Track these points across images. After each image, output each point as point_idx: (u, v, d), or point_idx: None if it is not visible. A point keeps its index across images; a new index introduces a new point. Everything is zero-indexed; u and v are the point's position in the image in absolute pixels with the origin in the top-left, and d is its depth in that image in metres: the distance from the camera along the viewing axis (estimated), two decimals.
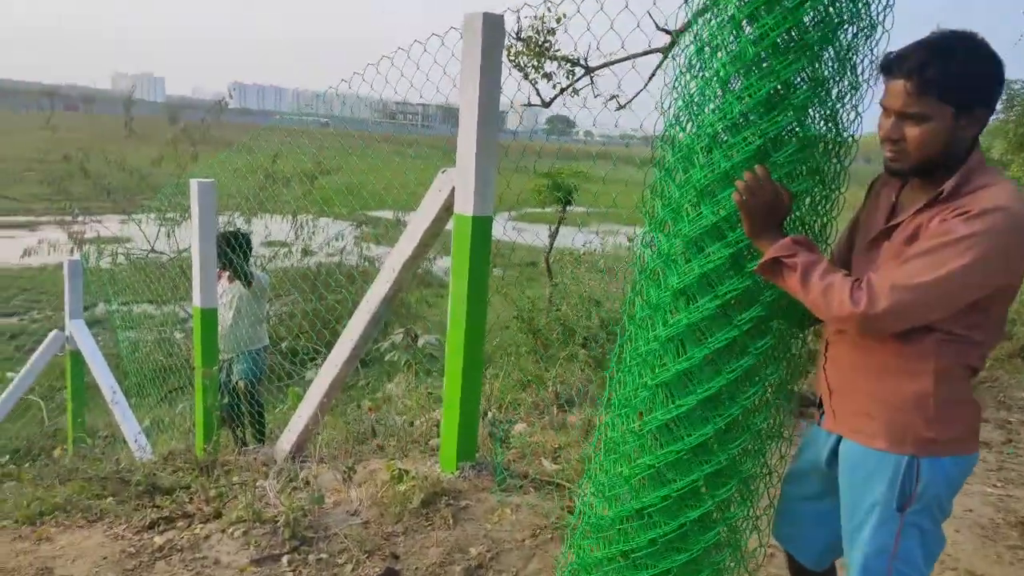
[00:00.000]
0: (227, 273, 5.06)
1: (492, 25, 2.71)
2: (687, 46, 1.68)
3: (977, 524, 3.18)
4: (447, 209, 3.01)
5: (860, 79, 1.62)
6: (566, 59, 3.91)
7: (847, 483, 1.64)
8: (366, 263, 9.88)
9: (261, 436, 5.04)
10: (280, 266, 10.12)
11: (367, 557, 2.54)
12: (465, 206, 2.87)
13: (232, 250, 4.98)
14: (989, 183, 1.46)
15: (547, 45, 4.10)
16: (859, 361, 1.60)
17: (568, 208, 8.84)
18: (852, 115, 1.65)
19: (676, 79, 1.70)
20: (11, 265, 16.82)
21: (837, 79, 1.60)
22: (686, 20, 1.65)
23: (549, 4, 2.71)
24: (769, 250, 1.51)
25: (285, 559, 2.53)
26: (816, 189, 1.68)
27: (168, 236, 9.72)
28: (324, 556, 2.56)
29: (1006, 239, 1.40)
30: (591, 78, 4.05)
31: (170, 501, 3.01)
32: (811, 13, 1.51)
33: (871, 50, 1.61)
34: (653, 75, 3.82)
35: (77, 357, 6.32)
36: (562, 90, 3.99)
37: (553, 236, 8.51)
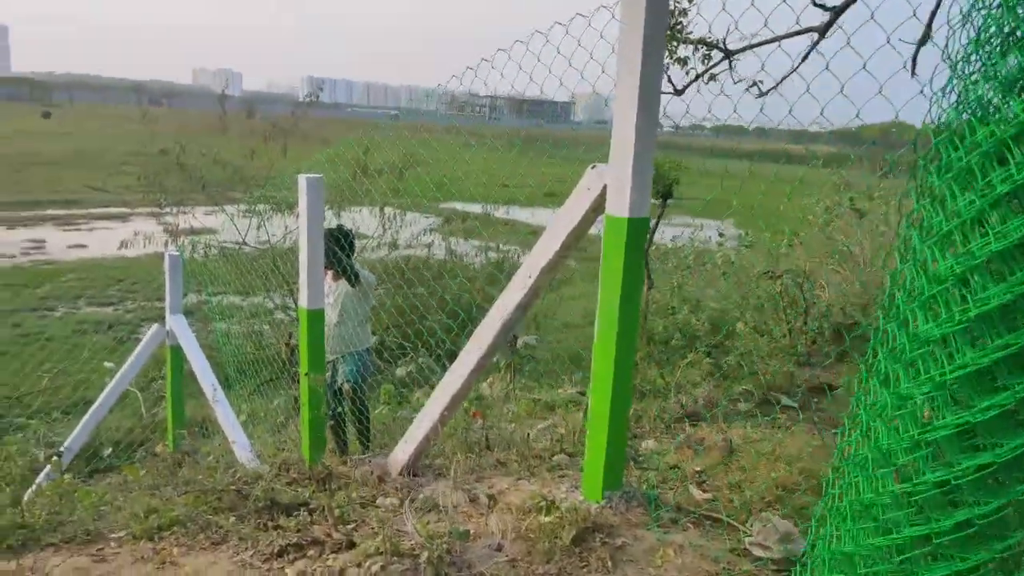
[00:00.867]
0: (331, 271, 4.90)
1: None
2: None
3: None
4: (595, 210, 2.70)
5: None
6: (703, 42, 3.55)
7: None
8: (455, 259, 9.70)
9: (366, 441, 4.86)
10: (368, 259, 10.04)
11: None
12: (619, 206, 2.56)
13: (338, 247, 4.81)
14: None
15: (679, 27, 3.75)
16: None
17: (668, 201, 8.42)
18: None
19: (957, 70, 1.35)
20: (107, 256, 17.42)
21: None
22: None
23: None
24: None
25: None
26: None
27: (258, 228, 9.75)
28: None
29: None
30: (730, 63, 3.67)
31: (294, 523, 2.81)
32: None
33: None
34: (806, 56, 3.41)
35: (177, 352, 6.29)
36: (697, 76, 3.63)
37: (652, 231, 8.11)
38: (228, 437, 5.43)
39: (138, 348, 6.26)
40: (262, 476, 3.43)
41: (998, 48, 1.27)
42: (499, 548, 2.52)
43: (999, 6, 1.28)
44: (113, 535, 3.15)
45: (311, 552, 2.53)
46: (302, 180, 4.25)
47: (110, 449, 6.89)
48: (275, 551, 2.55)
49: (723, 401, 4.51)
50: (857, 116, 2.18)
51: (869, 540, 1.44)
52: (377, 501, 3.22)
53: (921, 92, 1.40)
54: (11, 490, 3.84)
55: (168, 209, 10.21)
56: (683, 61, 3.88)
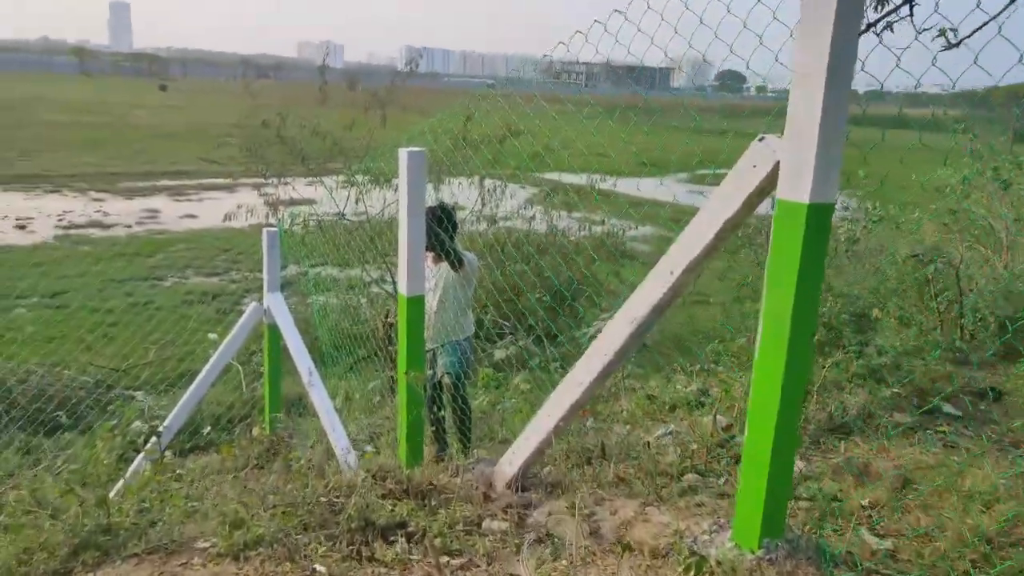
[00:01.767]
0: (432, 254, 4.52)
1: None
2: None
3: None
4: (761, 192, 2.16)
5: None
6: None
7: None
8: (556, 233, 9.22)
9: (467, 439, 4.49)
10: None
11: None
12: (797, 189, 2.01)
13: (439, 227, 4.41)
14: None
15: None
16: None
17: None
18: None
19: None
20: (214, 226, 17.88)
21: None
22: None
23: None
24: None
25: None
26: None
27: (357, 201, 9.55)
28: None
29: None
30: (911, 8, 3.00)
31: (391, 554, 2.44)
32: None
33: None
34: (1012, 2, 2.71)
35: (274, 330, 6.11)
36: (869, 26, 2.99)
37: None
38: (324, 425, 5.19)
39: (236, 326, 6.11)
40: (356, 488, 3.09)
41: None
42: None
43: None
44: (198, 545, 2.88)
45: None
46: (403, 154, 3.85)
47: (209, 427, 6.85)
48: None
49: (876, 411, 3.88)
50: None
51: None
52: (483, 525, 2.82)
53: None
54: (101, 482, 3.67)
55: (270, 180, 10.17)
56: None
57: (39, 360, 8.12)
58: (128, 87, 74.04)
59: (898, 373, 4.25)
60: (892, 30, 3.07)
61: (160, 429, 5.57)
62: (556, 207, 9.63)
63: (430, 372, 4.56)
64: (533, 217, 9.23)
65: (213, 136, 28.68)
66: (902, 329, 5.91)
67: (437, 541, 2.53)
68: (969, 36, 2.95)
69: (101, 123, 41.00)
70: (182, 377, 8.45)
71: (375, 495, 3.05)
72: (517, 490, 3.18)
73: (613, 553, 2.43)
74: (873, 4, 3.11)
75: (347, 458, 4.92)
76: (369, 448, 5.86)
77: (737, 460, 3.29)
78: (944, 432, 3.81)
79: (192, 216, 20.16)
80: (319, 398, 5.38)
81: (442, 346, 4.59)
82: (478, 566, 2.36)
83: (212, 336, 10.42)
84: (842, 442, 3.62)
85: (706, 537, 2.41)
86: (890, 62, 2.15)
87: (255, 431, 5.98)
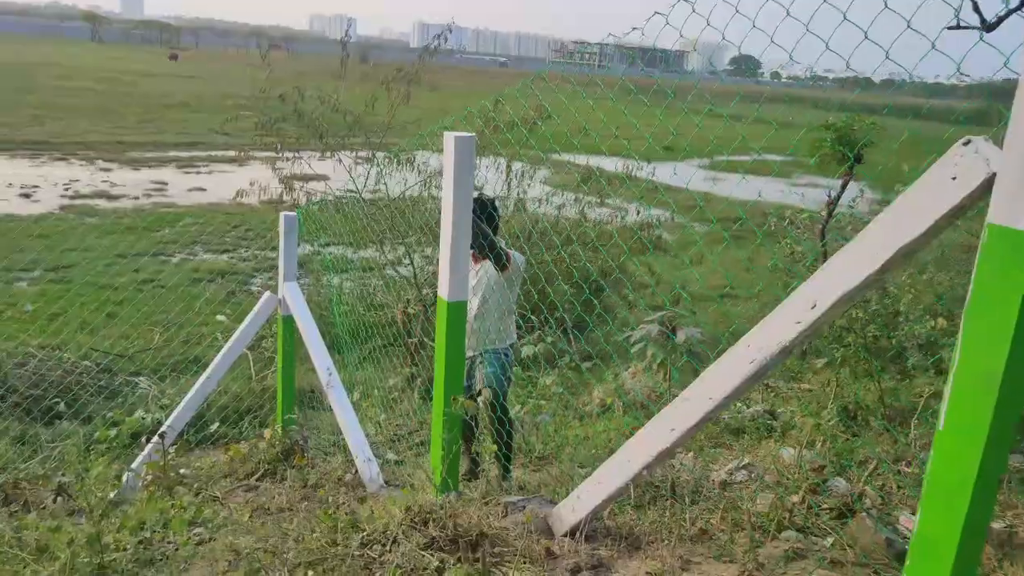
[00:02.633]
0: (471, 251, 4.01)
1: None
2: None
3: None
4: (955, 214, 1.65)
5: None
6: None
7: None
8: (588, 224, 8.70)
9: (507, 459, 4.02)
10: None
11: None
12: (1018, 214, 1.50)
13: (480, 220, 3.91)
14: None
15: None
16: None
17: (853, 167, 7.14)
18: None
19: None
20: (224, 201, 17.38)
21: None
22: None
23: None
24: None
25: None
26: None
27: (377, 181, 9.04)
28: None
29: None
30: None
31: None
32: None
33: None
34: None
35: (289, 322, 5.63)
36: (1015, 8, 2.47)
37: (833, 205, 6.84)
38: (343, 431, 4.73)
39: (249, 317, 5.63)
40: (392, 532, 2.61)
41: None
42: None
43: None
44: None
45: None
46: (449, 139, 3.35)
47: (217, 423, 6.39)
48: None
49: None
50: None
51: None
52: None
53: None
54: (97, 506, 3.21)
55: (282, 154, 9.66)
56: None
57: (40, 342, 7.67)
58: (138, 55, 73.28)
59: None
60: None
61: (163, 429, 5.13)
62: (587, 193, 9.09)
63: (467, 384, 4.08)
64: (563, 205, 8.70)
65: (225, 107, 28.11)
66: None
67: None
68: None
69: (110, 91, 40.41)
70: (188, 363, 8.00)
71: (416, 544, 2.58)
72: (580, 538, 2.70)
73: None
74: None
75: (369, 471, 4.46)
76: (391, 456, 5.41)
77: (842, 515, 2.81)
78: None
79: (201, 189, 19.66)
80: (338, 401, 4.91)
81: (481, 355, 4.11)
82: None
83: (220, 318, 9.98)
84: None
85: None
86: None
87: (266, 433, 5.53)
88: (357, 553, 2.48)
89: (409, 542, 2.56)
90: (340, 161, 8.30)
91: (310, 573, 2.32)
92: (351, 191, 9.83)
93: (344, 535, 2.57)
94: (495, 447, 3.90)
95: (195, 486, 4.72)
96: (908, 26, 2.03)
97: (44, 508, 5.07)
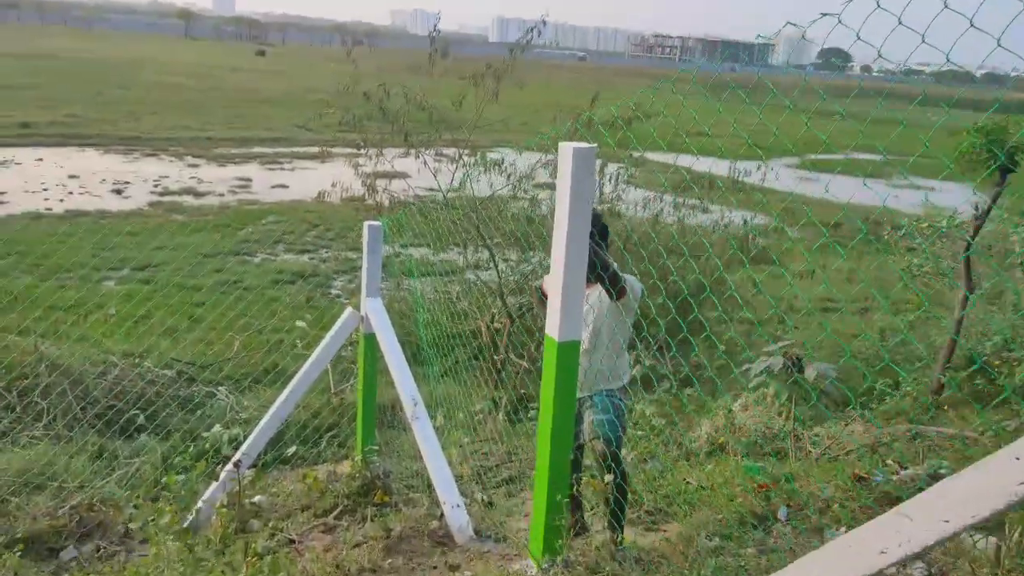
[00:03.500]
0: None
1: None
2: None
3: None
4: None
5: None
6: None
7: None
8: (686, 233, 8.02)
9: (619, 520, 3.45)
10: None
11: None
12: None
13: (593, 239, 3.34)
14: None
15: None
16: None
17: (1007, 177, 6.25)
18: None
19: None
20: (305, 199, 17.35)
21: None
22: None
23: None
24: None
25: None
26: None
27: (462, 182, 8.59)
28: None
29: None
30: None
31: None
32: None
33: None
34: None
35: (371, 341, 5.20)
36: None
37: (982, 217, 5.98)
38: (429, 471, 4.26)
39: (328, 335, 5.23)
40: None
41: None
42: None
43: None
44: None
45: None
46: (567, 150, 2.80)
47: (295, 447, 6.05)
48: None
49: None
50: None
51: None
52: None
53: None
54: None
55: (366, 151, 9.35)
56: None
57: (123, 349, 7.54)
58: (228, 51, 75.61)
59: None
60: None
61: (238, 457, 4.78)
62: (690, 198, 8.41)
63: (575, 428, 3.54)
64: (660, 212, 8.04)
65: (309, 103, 28.37)
66: None
67: None
68: None
69: (201, 87, 41.59)
70: (267, 373, 7.74)
71: None
72: None
73: None
74: None
75: (458, 519, 3.98)
76: (479, 495, 4.92)
77: None
78: None
79: (283, 186, 19.75)
80: (423, 435, 4.45)
81: (591, 398, 3.56)
82: None
83: (300, 324, 9.73)
84: None
85: None
86: None
87: (346, 467, 5.14)
88: None
89: None
90: (425, 163, 7.87)
91: None
92: (433, 190, 9.42)
93: None
94: (610, 506, 3.36)
95: (270, 523, 4.35)
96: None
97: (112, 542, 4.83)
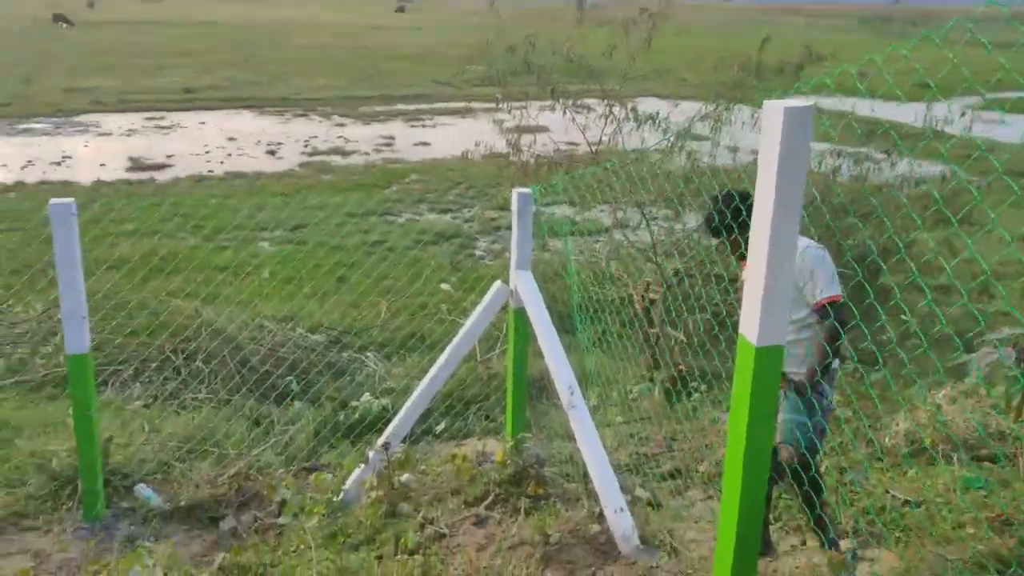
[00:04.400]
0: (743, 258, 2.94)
1: None
2: None
3: None
4: None
5: None
6: None
7: None
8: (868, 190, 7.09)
9: (827, 534, 2.94)
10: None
11: None
12: None
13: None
14: None
15: None
16: None
17: None
18: None
19: None
20: (446, 156, 17.29)
21: None
22: None
23: None
24: None
25: None
26: None
27: (611, 137, 8.03)
28: None
29: None
30: None
31: None
32: None
33: None
34: None
35: (522, 317, 4.86)
36: None
37: None
38: (589, 469, 3.89)
39: (477, 311, 4.93)
40: None
41: None
42: None
43: None
44: None
45: None
46: (774, 110, 2.26)
47: (443, 423, 5.88)
48: None
49: None
50: None
51: None
52: None
53: None
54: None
55: (507, 106, 8.96)
56: None
57: (273, 311, 7.66)
58: (368, 10, 77.19)
59: None
60: None
61: (385, 439, 4.62)
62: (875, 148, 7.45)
63: None
64: (838, 168, 7.14)
65: (451, 59, 28.33)
66: None
67: None
68: None
69: (345, 46, 42.63)
70: (412, 338, 7.66)
71: None
72: None
73: None
74: None
75: (622, 526, 3.60)
76: (640, 492, 4.51)
77: None
78: None
79: (425, 144, 19.80)
80: (581, 426, 4.08)
81: (782, 391, 3.04)
82: None
83: (444, 287, 9.63)
84: None
85: None
86: None
87: (495, 445, 4.89)
88: None
89: None
90: (572, 119, 7.38)
91: None
92: (573, 144, 8.89)
93: None
94: (810, 516, 2.85)
95: (420, 510, 4.15)
96: None
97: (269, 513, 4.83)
